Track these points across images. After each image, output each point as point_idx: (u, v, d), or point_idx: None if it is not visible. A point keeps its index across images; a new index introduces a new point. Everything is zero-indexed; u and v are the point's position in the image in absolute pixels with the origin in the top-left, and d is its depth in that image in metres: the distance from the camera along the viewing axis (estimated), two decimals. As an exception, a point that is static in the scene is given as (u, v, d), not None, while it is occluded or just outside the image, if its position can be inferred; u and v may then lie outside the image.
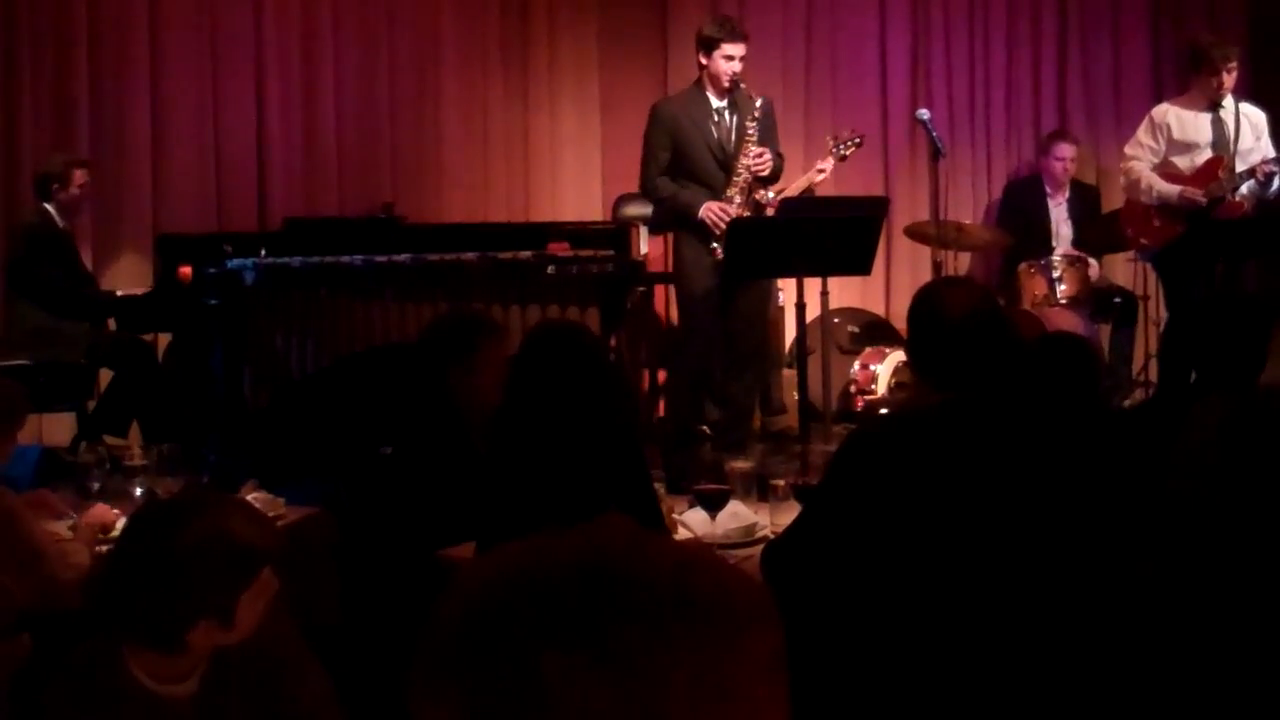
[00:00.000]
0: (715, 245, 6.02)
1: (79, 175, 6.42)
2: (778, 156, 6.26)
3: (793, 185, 6.76)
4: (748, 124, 6.08)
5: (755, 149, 6.06)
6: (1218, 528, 1.71)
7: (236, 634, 2.26)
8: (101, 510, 3.91)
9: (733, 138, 6.13)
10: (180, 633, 2.21)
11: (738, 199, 6.06)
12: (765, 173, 6.09)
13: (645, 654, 0.91)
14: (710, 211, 6.02)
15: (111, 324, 6.62)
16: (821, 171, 6.59)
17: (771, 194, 6.17)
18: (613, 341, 6.55)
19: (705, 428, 6.10)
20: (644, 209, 7.13)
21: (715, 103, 6.14)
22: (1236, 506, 1.71)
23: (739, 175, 6.07)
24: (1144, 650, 1.77)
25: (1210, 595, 1.73)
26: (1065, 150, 7.80)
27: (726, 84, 6.06)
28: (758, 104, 6.09)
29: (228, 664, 2.32)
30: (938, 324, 2.84)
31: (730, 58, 6.03)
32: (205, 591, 2.21)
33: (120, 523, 3.90)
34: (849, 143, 6.63)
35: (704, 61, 6.13)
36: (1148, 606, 1.83)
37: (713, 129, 6.13)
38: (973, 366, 2.79)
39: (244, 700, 2.34)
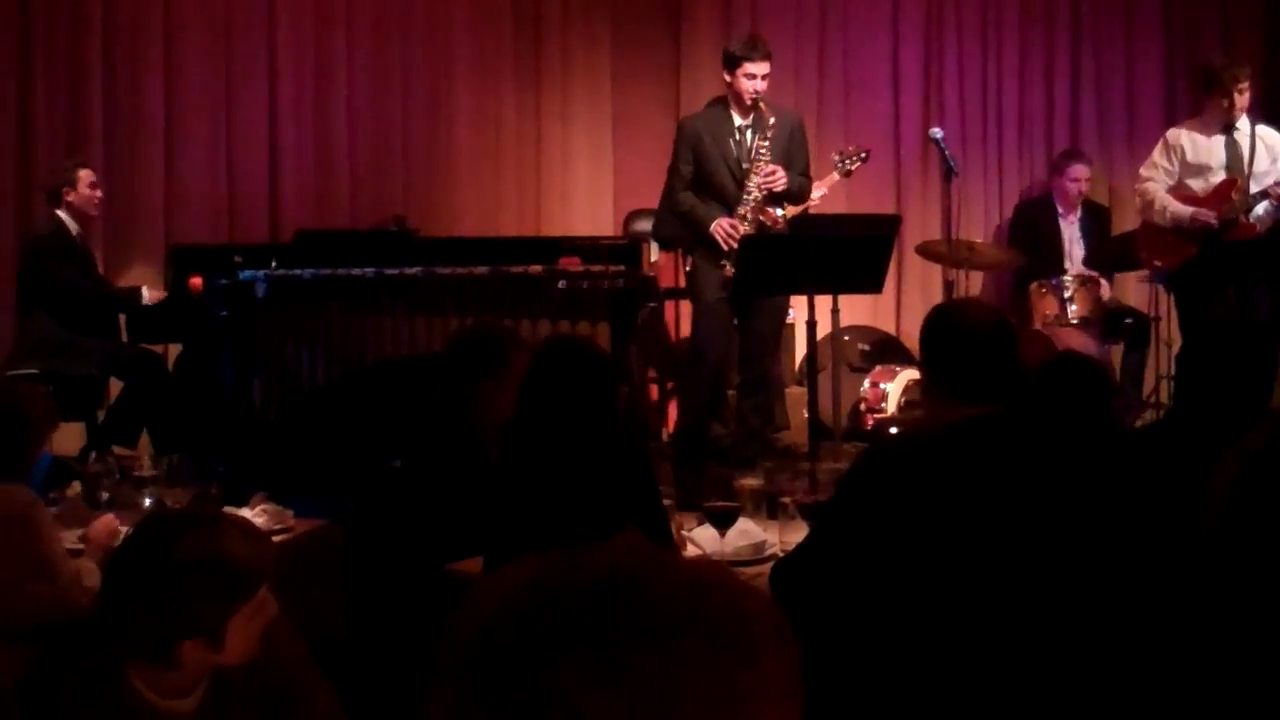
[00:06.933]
0: (725, 262, 6.04)
1: (84, 175, 6.42)
2: (803, 177, 6.26)
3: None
4: (760, 143, 6.09)
5: (768, 168, 6.06)
6: (1246, 555, 1.70)
7: (229, 655, 2.23)
8: (107, 521, 3.90)
9: (751, 156, 6.14)
10: (169, 647, 2.20)
11: (749, 217, 6.07)
12: (779, 190, 6.09)
13: (661, 672, 0.90)
14: (720, 228, 6.05)
15: (123, 333, 6.62)
16: (819, 187, 6.55)
17: (780, 212, 6.15)
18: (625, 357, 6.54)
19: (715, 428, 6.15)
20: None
21: (738, 120, 6.17)
22: (1263, 539, 1.69)
23: (750, 194, 6.08)
24: (1164, 672, 1.76)
25: (1234, 620, 1.71)
26: (1080, 171, 7.77)
27: (748, 102, 6.09)
28: (770, 122, 6.09)
29: (231, 680, 2.30)
30: (968, 335, 2.84)
31: (752, 76, 6.06)
32: (194, 609, 2.19)
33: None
34: (854, 158, 6.61)
35: (728, 79, 6.16)
36: (1166, 630, 1.82)
37: (733, 146, 6.15)
38: (1002, 376, 2.80)
39: (247, 716, 2.32)
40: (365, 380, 6.03)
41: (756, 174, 6.08)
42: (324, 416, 5.99)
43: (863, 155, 6.64)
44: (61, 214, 6.38)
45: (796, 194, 6.25)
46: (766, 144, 6.09)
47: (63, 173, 6.44)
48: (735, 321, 6.23)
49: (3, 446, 3.48)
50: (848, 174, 6.65)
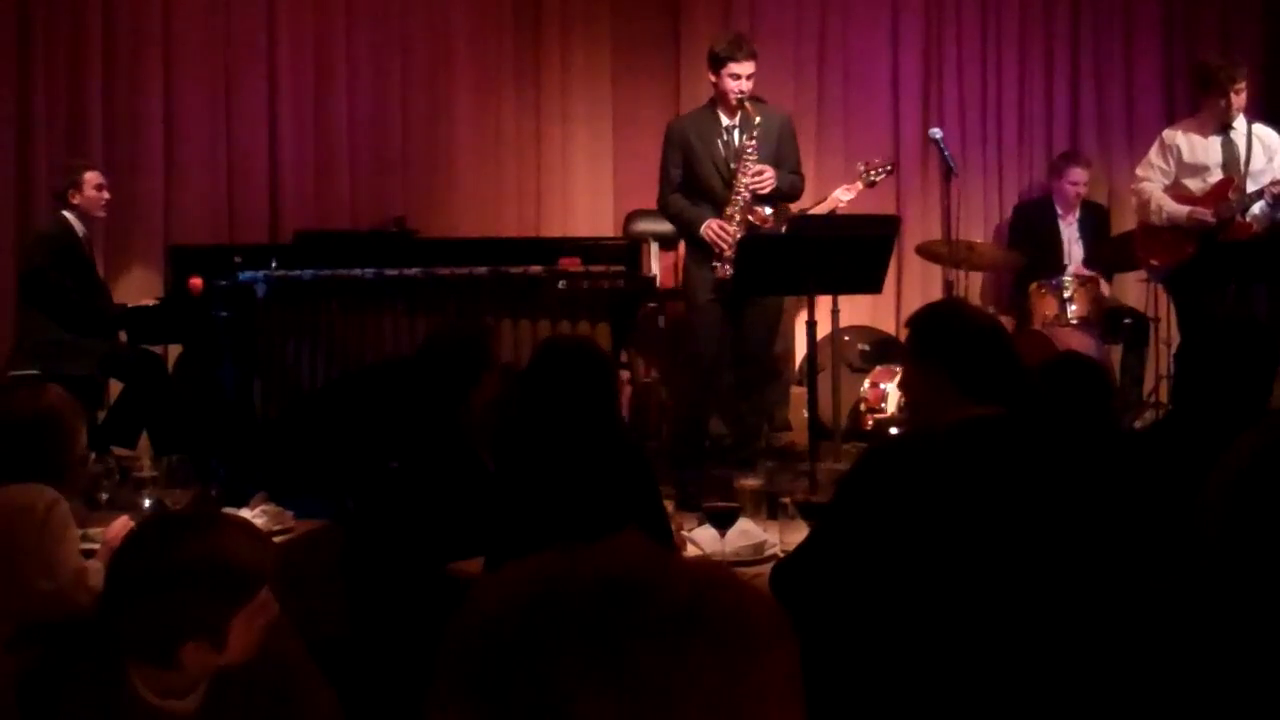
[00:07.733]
0: (716, 263, 6.04)
1: (91, 176, 6.43)
2: (794, 175, 6.26)
3: (817, 206, 6.77)
4: (747, 143, 6.07)
5: (755, 167, 6.05)
6: (1244, 555, 1.70)
7: (230, 655, 2.23)
8: (124, 523, 3.88)
9: (739, 156, 6.13)
10: (171, 649, 2.19)
11: (738, 217, 6.06)
12: (765, 191, 6.08)
13: (662, 671, 0.91)
14: (710, 229, 6.04)
15: (123, 336, 6.62)
16: (850, 191, 6.63)
17: (769, 211, 6.14)
18: (623, 357, 6.54)
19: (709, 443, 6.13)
20: (655, 224, 7.14)
21: (725, 120, 6.15)
22: (1262, 537, 1.69)
23: (738, 194, 6.07)
24: (1164, 672, 1.76)
25: (1234, 619, 1.71)
26: (1078, 174, 7.78)
27: (733, 102, 6.07)
28: (756, 121, 6.07)
29: (232, 681, 2.30)
30: (976, 331, 2.84)
31: (737, 76, 6.03)
32: (196, 610, 2.18)
33: None
34: (880, 170, 6.67)
35: (713, 79, 6.14)
36: (1166, 629, 1.82)
37: (720, 147, 6.14)
38: (1008, 371, 2.80)
39: (247, 717, 2.32)
40: (364, 381, 6.03)
41: (744, 174, 6.07)
42: (324, 417, 5.99)
43: (888, 168, 6.73)
44: (68, 215, 6.38)
45: (788, 192, 6.25)
46: (754, 143, 6.07)
47: (68, 174, 6.44)
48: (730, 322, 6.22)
49: (36, 451, 3.47)
50: (872, 184, 6.72)
